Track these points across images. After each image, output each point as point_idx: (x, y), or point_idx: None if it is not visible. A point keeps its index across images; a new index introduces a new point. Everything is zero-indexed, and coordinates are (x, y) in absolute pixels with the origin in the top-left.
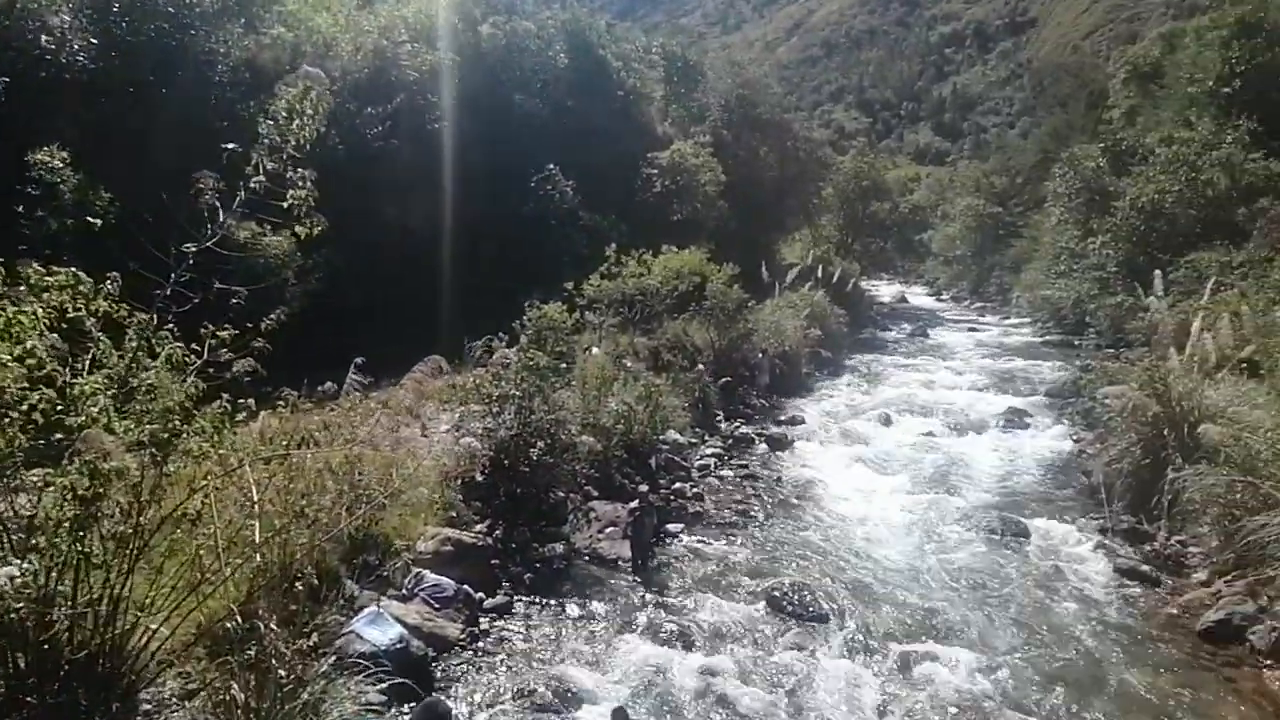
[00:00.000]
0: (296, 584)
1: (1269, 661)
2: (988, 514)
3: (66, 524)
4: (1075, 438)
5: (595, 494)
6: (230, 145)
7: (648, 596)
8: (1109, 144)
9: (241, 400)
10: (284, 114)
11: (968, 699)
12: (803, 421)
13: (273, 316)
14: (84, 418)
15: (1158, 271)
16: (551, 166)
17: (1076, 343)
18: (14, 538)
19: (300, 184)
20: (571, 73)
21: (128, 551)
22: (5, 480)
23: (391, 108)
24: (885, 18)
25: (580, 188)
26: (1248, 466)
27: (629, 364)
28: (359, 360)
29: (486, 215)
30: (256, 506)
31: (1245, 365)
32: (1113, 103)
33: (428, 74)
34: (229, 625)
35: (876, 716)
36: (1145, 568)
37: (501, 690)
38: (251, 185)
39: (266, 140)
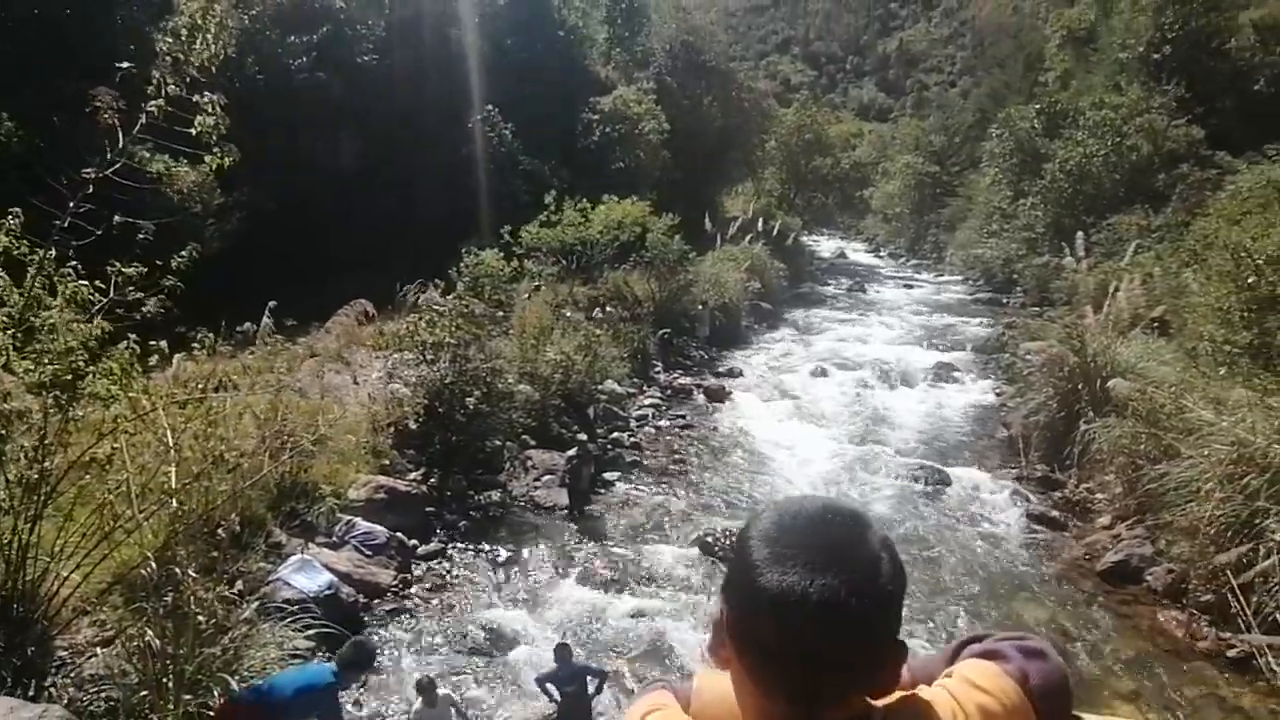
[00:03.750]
0: (218, 531)
1: (1164, 600)
2: (913, 463)
3: None
4: (997, 391)
5: (532, 443)
6: (126, 65)
7: (583, 542)
8: (1043, 106)
9: (152, 342)
10: (185, 30)
11: None
12: (740, 373)
13: (184, 253)
14: None
15: (1080, 233)
16: (491, 108)
17: (1005, 300)
18: None
19: (209, 109)
20: (510, 9)
21: (35, 497)
22: None
23: (317, 38)
24: None
25: (519, 132)
26: (1152, 419)
27: (568, 313)
28: (273, 304)
29: (422, 156)
30: (172, 452)
31: (1156, 324)
32: (1048, 65)
33: (356, 3)
34: (144, 572)
35: None
36: (1055, 513)
37: (434, 634)
38: (151, 107)
39: (169, 58)
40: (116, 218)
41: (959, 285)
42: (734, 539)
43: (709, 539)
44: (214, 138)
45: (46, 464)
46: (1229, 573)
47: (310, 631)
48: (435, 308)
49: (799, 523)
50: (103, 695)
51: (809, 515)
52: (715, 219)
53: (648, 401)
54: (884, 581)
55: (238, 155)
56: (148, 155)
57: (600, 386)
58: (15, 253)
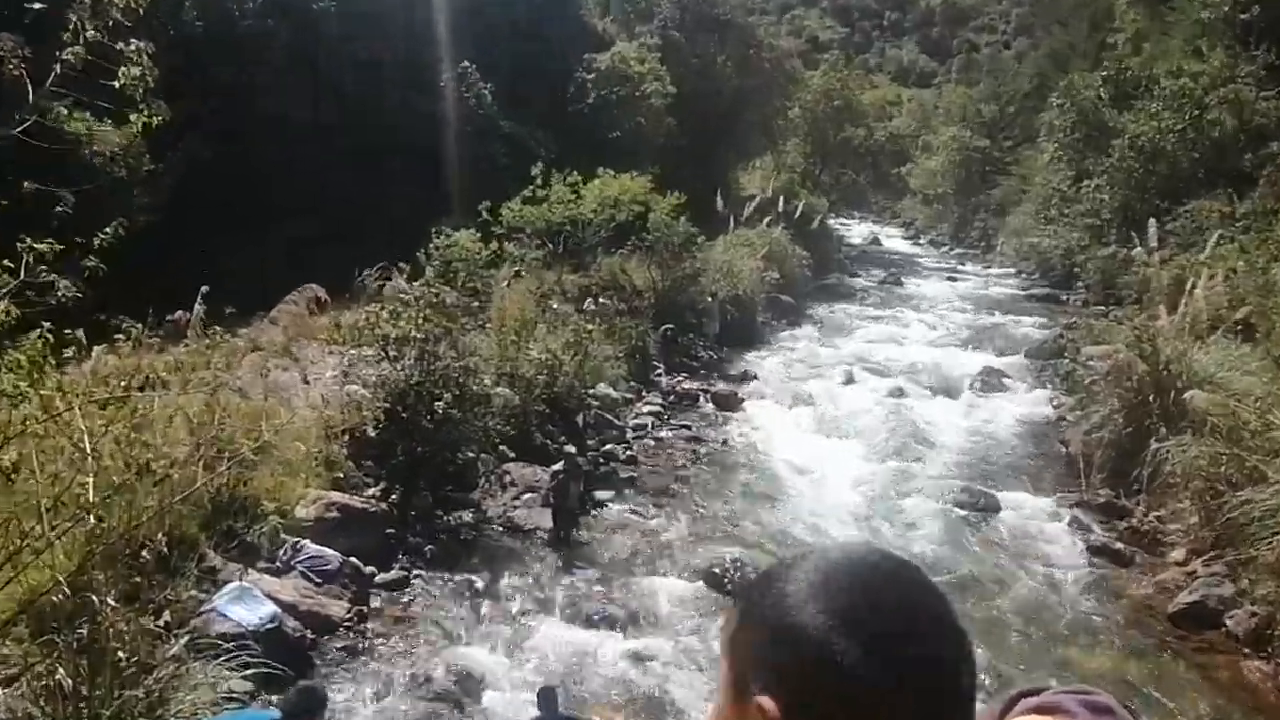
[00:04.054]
0: (143, 552)
1: (1246, 649)
2: (955, 486)
3: None
4: (1055, 403)
5: (512, 455)
6: (38, 4)
7: (570, 572)
8: (1112, 72)
9: (68, 331)
10: None
11: None
12: (755, 377)
13: (109, 230)
14: None
15: (1152, 220)
16: (467, 64)
17: (1064, 297)
18: None
19: (135, 59)
20: None
21: None
22: None
23: None
24: None
25: (501, 92)
26: (1234, 438)
27: (555, 305)
28: (205, 289)
29: (387, 118)
30: (90, 460)
31: (1240, 327)
32: (1118, 25)
33: None
34: (56, 599)
35: None
36: (1120, 545)
37: (393, 677)
38: (67, 55)
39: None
40: (28, 185)
41: (1011, 279)
42: (773, 618)
43: (716, 570)
44: (141, 92)
45: None
46: None
47: (249, 671)
48: (400, 296)
49: (886, 599)
50: None
51: (892, 588)
52: (728, 198)
53: (647, 409)
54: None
55: (168, 113)
56: (65, 113)
57: (591, 390)
58: None
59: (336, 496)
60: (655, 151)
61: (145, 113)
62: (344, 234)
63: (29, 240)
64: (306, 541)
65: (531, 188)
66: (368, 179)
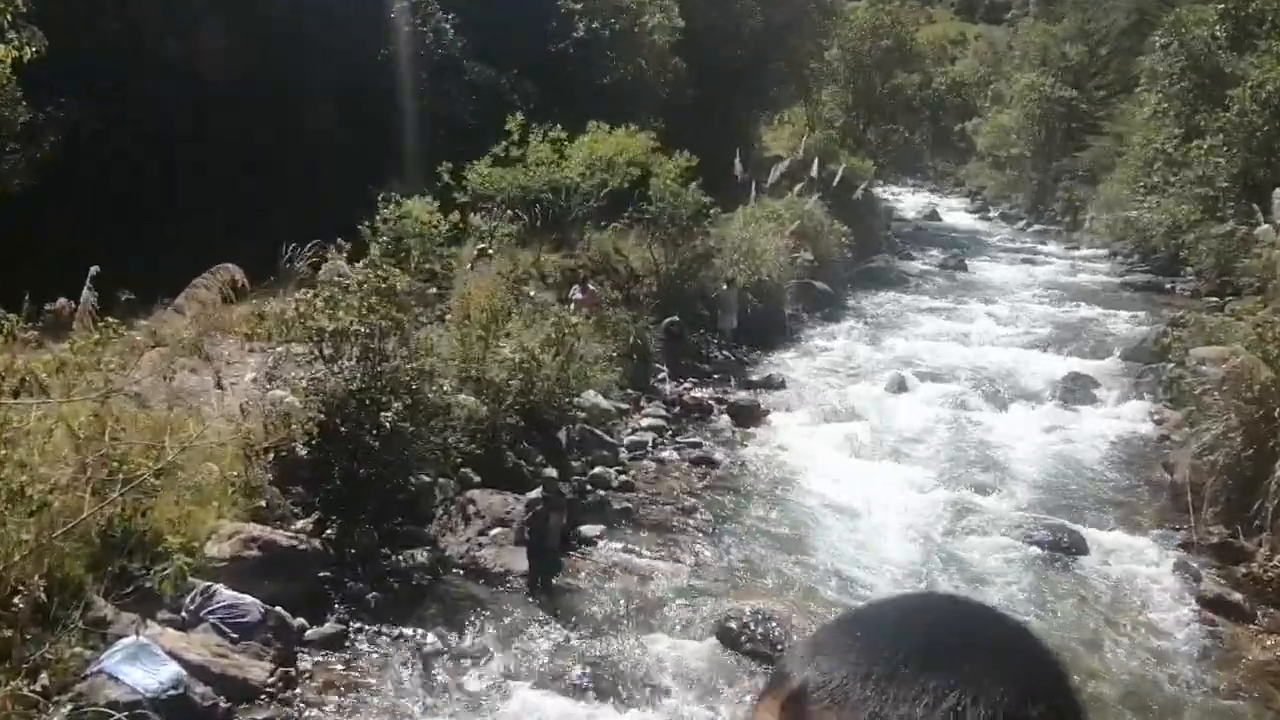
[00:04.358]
0: (15, 599)
1: None
2: (1032, 522)
3: None
4: (1157, 418)
5: (477, 479)
6: None
7: (550, 627)
8: (1229, 6)
9: None
10: None
11: None
12: (781, 384)
13: None
14: None
15: (1279, 191)
16: None
17: (1168, 286)
18: None
19: None
20: None
21: None
22: None
23: None
24: None
25: (466, 27)
26: None
27: (532, 292)
28: (95, 270)
29: (322, 59)
30: None
31: None
32: None
33: None
34: None
35: None
36: (1237, 596)
37: None
38: None
39: None
40: None
41: (1102, 262)
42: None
43: (732, 626)
44: (9, 18)
45: None
46: None
47: None
48: (338, 280)
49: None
50: None
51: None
52: (749, 160)
53: (646, 422)
54: None
55: (44, 43)
56: None
57: (577, 399)
58: None
59: (257, 530)
60: (659, 102)
61: (15, 42)
62: (264, 201)
63: None
64: (220, 587)
65: (504, 145)
66: (295, 137)
